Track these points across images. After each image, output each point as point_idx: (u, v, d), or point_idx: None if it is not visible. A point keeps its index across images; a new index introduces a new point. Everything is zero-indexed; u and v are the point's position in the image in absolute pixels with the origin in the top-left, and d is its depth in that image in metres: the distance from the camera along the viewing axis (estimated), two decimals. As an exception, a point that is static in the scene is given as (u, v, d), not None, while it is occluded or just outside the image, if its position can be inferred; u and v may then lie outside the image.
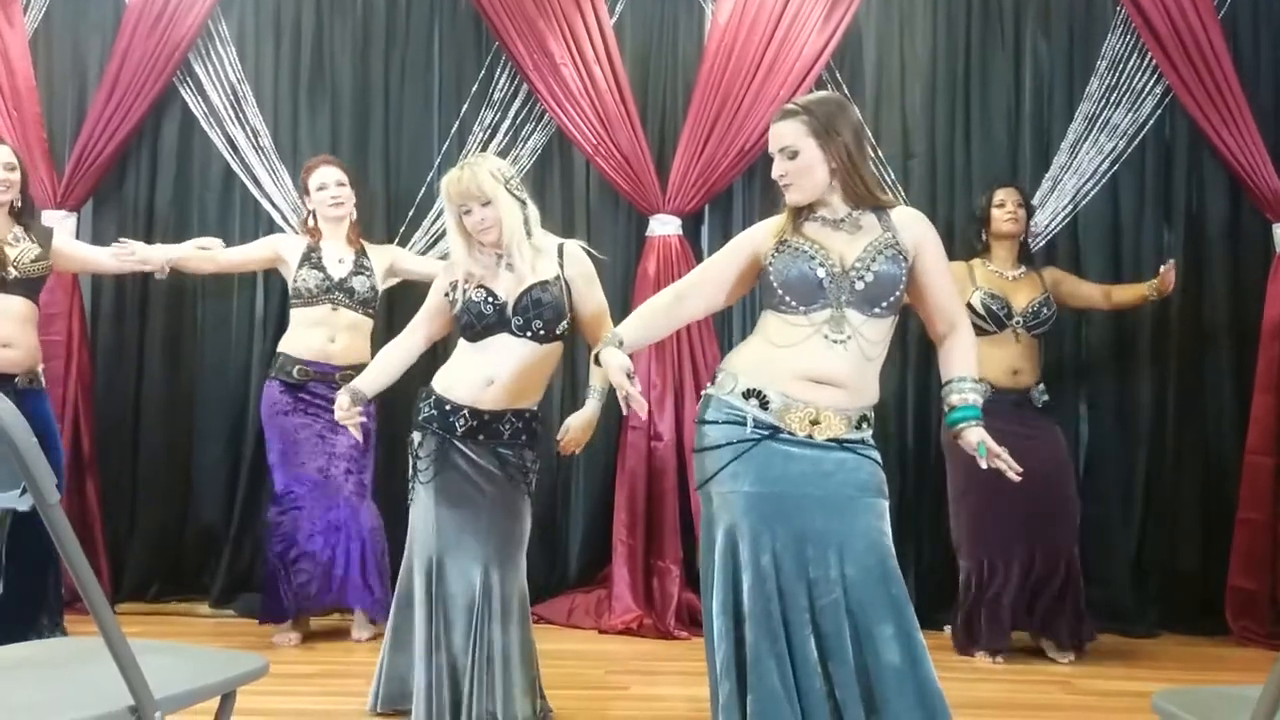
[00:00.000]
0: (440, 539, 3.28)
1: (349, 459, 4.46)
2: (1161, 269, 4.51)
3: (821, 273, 2.63)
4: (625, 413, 2.68)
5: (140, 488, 5.15)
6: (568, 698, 3.73)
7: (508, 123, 5.13)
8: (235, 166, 5.12)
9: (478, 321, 3.26)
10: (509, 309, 3.25)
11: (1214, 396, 5.01)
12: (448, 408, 3.28)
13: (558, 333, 3.31)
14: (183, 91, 5.13)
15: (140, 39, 5.00)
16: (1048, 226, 4.92)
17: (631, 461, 4.93)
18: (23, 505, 1.67)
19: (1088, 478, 5.00)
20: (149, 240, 5.08)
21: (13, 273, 4.02)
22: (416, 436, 3.34)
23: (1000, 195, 4.57)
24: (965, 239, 4.74)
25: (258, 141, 5.10)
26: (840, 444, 2.64)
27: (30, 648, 2.20)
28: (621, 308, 5.09)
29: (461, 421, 3.26)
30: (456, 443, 3.27)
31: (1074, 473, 4.54)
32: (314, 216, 4.60)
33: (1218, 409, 4.99)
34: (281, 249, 4.60)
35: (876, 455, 2.71)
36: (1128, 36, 5.03)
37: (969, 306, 4.45)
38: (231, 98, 5.11)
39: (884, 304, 2.65)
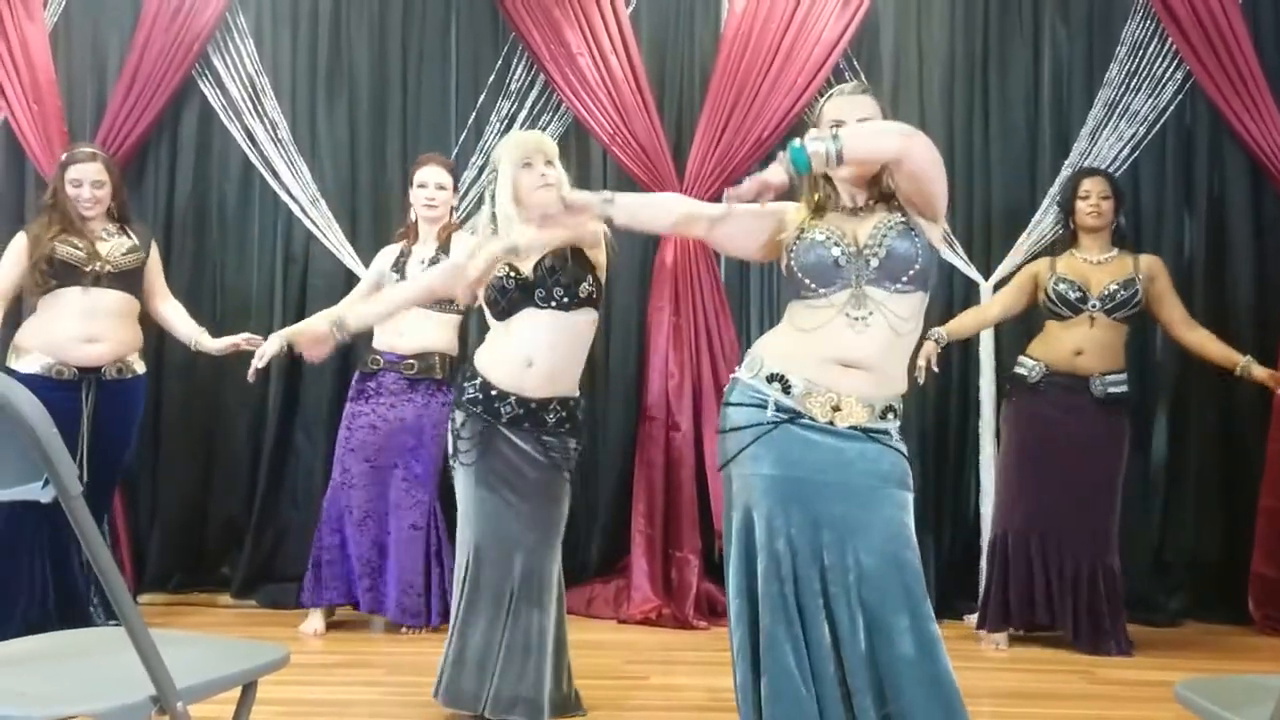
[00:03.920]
0: (481, 523, 3.32)
1: (399, 451, 4.45)
2: None
3: (837, 252, 2.61)
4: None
5: (161, 478, 5.17)
6: (587, 687, 3.72)
7: (524, 113, 5.13)
8: (254, 159, 5.13)
9: (502, 297, 3.28)
10: (530, 280, 3.27)
11: (1236, 383, 4.96)
12: (493, 393, 3.29)
13: (581, 296, 3.29)
14: (201, 84, 5.14)
15: (159, 32, 5.02)
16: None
17: (650, 452, 4.93)
18: (45, 497, 1.67)
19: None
20: (168, 233, 5.13)
21: (107, 267, 4.14)
22: (459, 416, 3.35)
23: (1086, 186, 4.49)
24: (1056, 233, 4.80)
25: (276, 134, 5.11)
26: (866, 434, 2.60)
27: (53, 638, 2.21)
28: (639, 298, 5.13)
29: (508, 408, 3.28)
30: (501, 428, 3.29)
31: (1118, 478, 4.43)
32: (413, 212, 4.57)
33: (1240, 396, 4.95)
34: (382, 267, 4.56)
35: (902, 448, 2.65)
36: (1148, 22, 4.99)
37: (1046, 296, 4.45)
38: (250, 90, 5.12)
39: (905, 278, 2.60)
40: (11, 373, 4.08)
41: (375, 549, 4.46)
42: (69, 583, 4.14)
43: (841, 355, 2.59)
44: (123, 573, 4.62)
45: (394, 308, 3.62)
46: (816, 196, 2.70)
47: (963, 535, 5.04)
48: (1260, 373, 4.36)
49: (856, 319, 2.59)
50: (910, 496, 2.64)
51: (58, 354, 4.08)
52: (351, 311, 3.53)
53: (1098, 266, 4.45)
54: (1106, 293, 4.37)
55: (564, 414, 3.33)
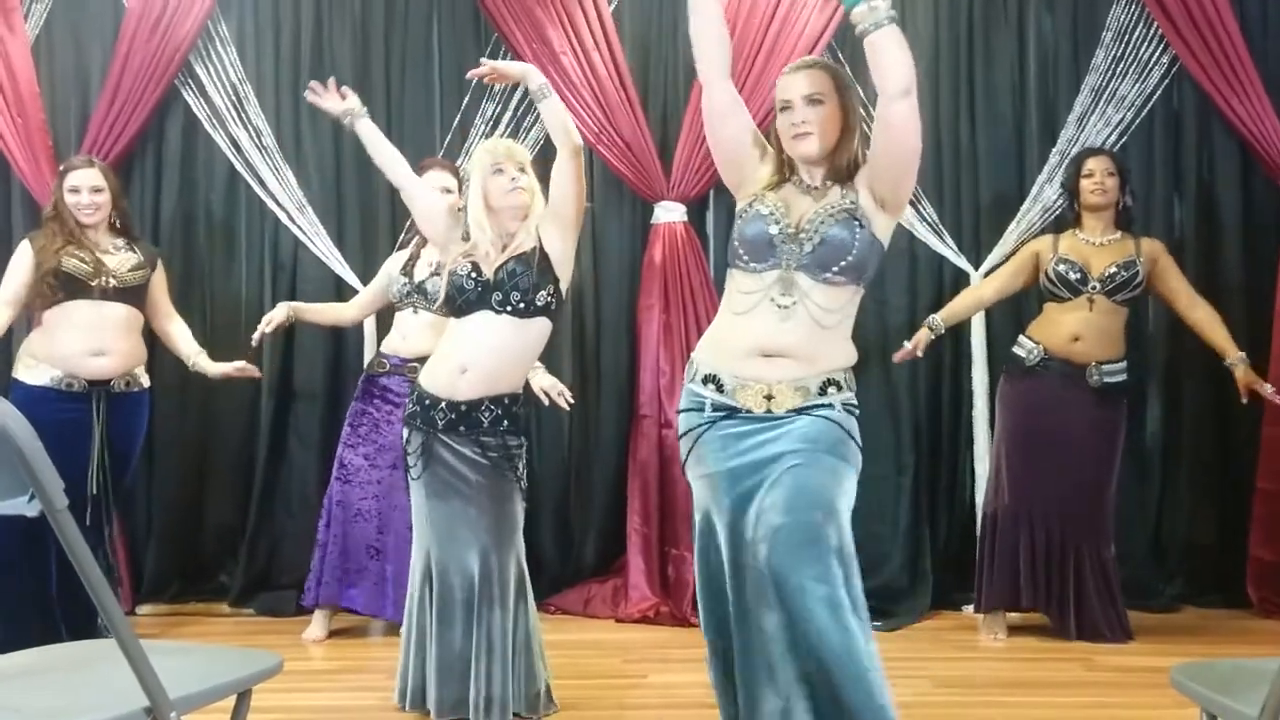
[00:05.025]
0: (434, 533, 3.35)
1: (397, 451, 4.44)
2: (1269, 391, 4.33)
3: (774, 230, 2.62)
4: None
5: (156, 488, 5.15)
6: (586, 687, 3.74)
7: (509, 114, 5.10)
8: (239, 166, 5.11)
9: (459, 295, 3.31)
10: (490, 282, 3.28)
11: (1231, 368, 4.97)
12: (428, 402, 3.34)
13: (539, 304, 3.30)
14: (185, 93, 5.11)
15: (140, 42, 4.99)
16: (1057, 201, 4.88)
17: (643, 450, 4.93)
18: (31, 511, 1.67)
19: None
20: (155, 243, 5.09)
21: (112, 281, 4.14)
22: (405, 432, 3.41)
23: (1089, 165, 4.47)
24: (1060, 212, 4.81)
25: (261, 141, 5.09)
26: (801, 413, 2.60)
27: (45, 652, 2.21)
28: (629, 296, 5.13)
29: (441, 415, 3.31)
30: (440, 436, 3.31)
31: (1112, 469, 4.45)
32: None
33: (1234, 379, 4.95)
34: (390, 271, 4.60)
35: (839, 417, 2.61)
36: (1133, 6, 4.98)
37: (1046, 276, 4.43)
38: (233, 98, 5.10)
39: (835, 268, 2.59)
40: (19, 384, 4.12)
41: (371, 548, 4.45)
42: (76, 596, 4.12)
43: (765, 345, 2.61)
44: (121, 585, 4.68)
45: (388, 156, 3.60)
46: (783, 158, 2.71)
47: (958, 526, 5.04)
48: (1241, 376, 4.34)
49: (781, 306, 2.60)
50: (841, 464, 2.59)
51: (66, 367, 4.08)
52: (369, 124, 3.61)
53: (1099, 248, 4.44)
54: (1106, 274, 4.36)
55: (499, 412, 3.33)
